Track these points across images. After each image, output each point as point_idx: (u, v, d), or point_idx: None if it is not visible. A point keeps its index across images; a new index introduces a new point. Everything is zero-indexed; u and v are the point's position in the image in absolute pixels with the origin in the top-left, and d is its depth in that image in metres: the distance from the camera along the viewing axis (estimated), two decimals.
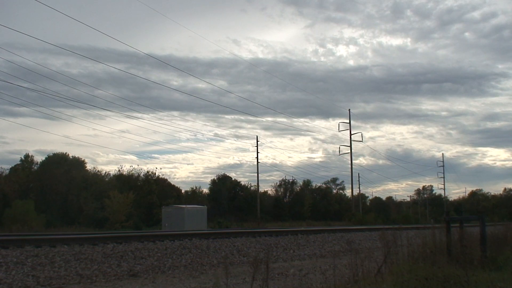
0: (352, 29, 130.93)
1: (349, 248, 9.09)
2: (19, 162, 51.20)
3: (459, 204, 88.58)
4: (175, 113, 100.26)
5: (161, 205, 42.41)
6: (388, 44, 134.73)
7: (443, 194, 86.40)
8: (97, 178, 52.28)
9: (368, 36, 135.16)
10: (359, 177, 72.67)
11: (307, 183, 76.06)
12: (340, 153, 59.34)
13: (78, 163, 53.33)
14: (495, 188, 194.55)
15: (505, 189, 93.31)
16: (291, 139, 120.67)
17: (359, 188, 74.63)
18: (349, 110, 58.91)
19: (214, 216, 47.32)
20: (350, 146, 57.31)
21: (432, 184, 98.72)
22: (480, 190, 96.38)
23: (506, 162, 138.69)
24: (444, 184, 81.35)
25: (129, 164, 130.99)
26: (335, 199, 76.83)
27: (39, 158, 60.25)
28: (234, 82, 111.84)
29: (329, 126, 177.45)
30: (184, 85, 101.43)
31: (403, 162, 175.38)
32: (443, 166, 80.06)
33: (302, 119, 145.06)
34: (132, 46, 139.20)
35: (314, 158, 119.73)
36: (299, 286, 8.86)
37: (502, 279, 7.64)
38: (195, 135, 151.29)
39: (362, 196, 78.92)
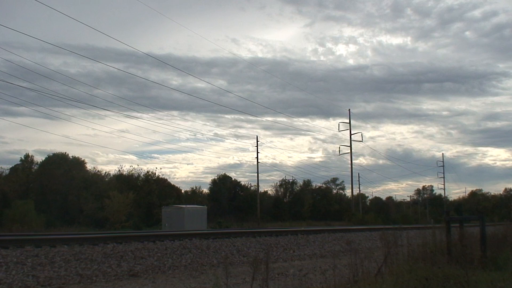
0: (351, 28, 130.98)
1: (349, 248, 9.10)
2: (19, 162, 51.18)
3: (459, 204, 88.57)
4: (175, 112, 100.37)
5: (161, 205, 42.38)
6: (388, 43, 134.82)
7: (443, 194, 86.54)
8: (97, 178, 52.26)
9: (368, 35, 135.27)
10: (359, 177, 72.76)
11: (307, 183, 76.06)
12: (340, 153, 59.41)
13: (78, 163, 53.31)
14: (495, 188, 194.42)
15: (505, 189, 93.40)
16: (291, 139, 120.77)
17: (359, 188, 74.72)
18: (349, 110, 59.00)
19: (214, 216, 47.29)
20: (350, 146, 57.34)
21: (432, 184, 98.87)
22: (480, 190, 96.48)
23: (507, 162, 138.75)
24: (444, 184, 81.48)
25: (129, 164, 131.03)
26: (335, 199, 76.78)
27: (38, 158, 60.28)
28: (234, 82, 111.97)
29: (329, 126, 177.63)
30: (184, 84, 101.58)
31: (403, 162, 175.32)
32: (443, 166, 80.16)
33: (302, 119, 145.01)
34: (131, 45, 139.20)
35: (314, 158, 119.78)
36: (299, 286, 8.86)
37: (502, 279, 7.64)
38: (195, 135, 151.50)
39: (362, 196, 78.93)
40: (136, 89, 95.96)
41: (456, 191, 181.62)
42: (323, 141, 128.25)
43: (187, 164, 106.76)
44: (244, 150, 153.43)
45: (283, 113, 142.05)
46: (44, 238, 12.09)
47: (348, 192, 74.88)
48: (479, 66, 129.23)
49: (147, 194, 49.02)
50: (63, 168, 48.98)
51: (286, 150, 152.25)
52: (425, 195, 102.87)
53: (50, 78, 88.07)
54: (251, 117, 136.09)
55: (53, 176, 47.21)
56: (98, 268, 10.41)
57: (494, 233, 11.99)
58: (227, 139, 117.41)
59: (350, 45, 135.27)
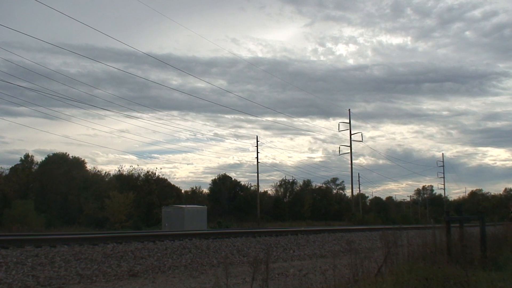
0: (351, 27, 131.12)
1: (349, 248, 9.11)
2: (19, 162, 51.18)
3: (459, 204, 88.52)
4: (175, 112, 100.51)
5: (161, 205, 42.38)
6: (388, 43, 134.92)
7: (443, 194, 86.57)
8: (97, 178, 52.26)
9: (368, 35, 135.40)
10: (359, 177, 72.82)
11: (307, 183, 76.07)
12: (340, 153, 59.42)
13: (78, 163, 53.31)
14: (495, 188, 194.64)
15: (505, 189, 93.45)
16: (291, 139, 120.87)
17: (359, 188, 74.76)
18: (349, 110, 59.02)
19: (214, 216, 47.29)
20: (350, 146, 57.35)
21: (432, 184, 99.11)
22: (480, 190, 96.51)
23: (507, 162, 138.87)
24: (444, 184, 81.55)
25: (129, 164, 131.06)
26: (335, 199, 76.77)
27: (38, 158, 60.31)
28: (234, 82, 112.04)
29: (329, 126, 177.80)
30: (184, 84, 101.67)
31: (403, 162, 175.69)
32: (443, 166, 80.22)
33: (302, 119, 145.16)
34: (131, 45, 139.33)
35: (314, 158, 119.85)
36: (299, 286, 8.86)
37: (502, 279, 7.65)
38: (195, 135, 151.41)
39: (362, 196, 78.97)
40: (136, 89, 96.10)
41: (456, 191, 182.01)
42: (323, 141, 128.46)
43: (187, 164, 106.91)
44: (244, 150, 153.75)
45: (283, 113, 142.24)
46: (44, 238, 12.08)
47: (348, 192, 74.99)
48: (479, 66, 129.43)
49: (147, 194, 49.03)
50: (63, 168, 48.98)
51: (286, 150, 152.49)
52: (425, 195, 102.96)
53: (50, 78, 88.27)
54: (251, 117, 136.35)
55: (53, 176, 47.21)
56: (98, 268, 10.41)
57: (494, 233, 12.00)
58: (227, 139, 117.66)
59: (350, 45, 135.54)
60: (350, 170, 56.41)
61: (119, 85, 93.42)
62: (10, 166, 50.62)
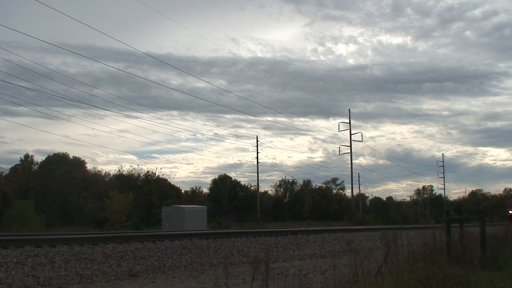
0: (351, 27, 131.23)
1: (349, 248, 9.11)
2: (19, 162, 51.19)
3: (459, 204, 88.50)
4: (175, 112, 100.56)
5: (161, 205, 42.39)
6: (388, 43, 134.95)
7: (443, 194, 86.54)
8: (97, 178, 52.25)
9: (368, 35, 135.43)
10: (359, 177, 72.80)
11: (307, 183, 76.07)
12: (340, 153, 59.46)
13: (78, 163, 53.31)
14: (495, 188, 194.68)
15: (505, 189, 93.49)
16: (291, 139, 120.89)
17: (359, 188, 74.74)
18: (349, 110, 59.08)
19: (214, 216, 47.29)
20: (350, 146, 57.37)
21: (432, 184, 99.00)
22: (480, 190, 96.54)
23: (507, 162, 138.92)
24: (444, 184, 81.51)
25: (129, 164, 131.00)
26: (335, 199, 76.76)
27: (38, 158, 60.35)
28: (234, 81, 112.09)
29: (329, 126, 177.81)
30: (183, 84, 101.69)
31: (403, 162, 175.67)
32: (443, 166, 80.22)
33: (302, 119, 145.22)
34: (131, 45, 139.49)
35: (314, 158, 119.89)
36: (299, 286, 8.86)
37: (502, 279, 7.65)
38: (195, 135, 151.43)
39: (362, 196, 78.97)
40: (136, 89, 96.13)
41: (456, 191, 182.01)
42: (323, 141, 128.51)
43: (187, 164, 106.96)
44: (244, 150, 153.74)
45: (283, 113, 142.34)
46: (44, 238, 12.08)
47: (348, 192, 74.96)
48: (479, 65, 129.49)
49: (147, 194, 49.05)
50: (63, 168, 48.98)
51: (286, 150, 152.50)
52: (425, 195, 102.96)
53: (50, 78, 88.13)
54: (251, 117, 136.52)
55: (53, 176, 47.23)
56: (98, 268, 10.41)
57: (494, 233, 11.99)
58: (227, 139, 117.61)
59: (350, 45, 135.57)
60: (350, 170, 56.50)
61: (119, 85, 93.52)
62: (10, 166, 50.70)
